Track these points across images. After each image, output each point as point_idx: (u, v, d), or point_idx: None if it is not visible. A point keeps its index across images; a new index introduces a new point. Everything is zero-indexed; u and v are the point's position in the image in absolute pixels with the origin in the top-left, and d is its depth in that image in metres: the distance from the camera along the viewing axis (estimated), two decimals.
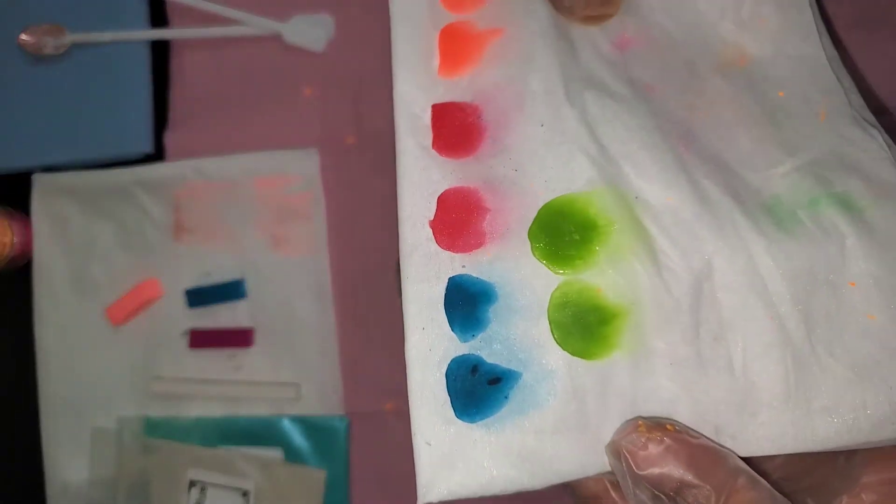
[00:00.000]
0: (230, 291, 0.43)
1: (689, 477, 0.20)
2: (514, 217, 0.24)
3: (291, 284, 0.44)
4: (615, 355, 0.22)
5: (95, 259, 0.44)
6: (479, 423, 0.22)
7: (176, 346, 0.44)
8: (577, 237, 0.23)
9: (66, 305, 0.44)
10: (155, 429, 0.44)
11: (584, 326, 0.22)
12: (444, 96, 0.26)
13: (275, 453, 0.43)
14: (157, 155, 0.45)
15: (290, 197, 0.44)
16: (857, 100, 0.27)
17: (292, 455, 0.43)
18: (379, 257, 0.44)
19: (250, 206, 0.44)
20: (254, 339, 0.44)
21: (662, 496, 0.20)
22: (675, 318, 0.23)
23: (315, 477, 0.43)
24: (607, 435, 0.22)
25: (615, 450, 0.21)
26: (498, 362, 0.23)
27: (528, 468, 0.22)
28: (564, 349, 0.22)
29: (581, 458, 0.22)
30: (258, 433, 0.43)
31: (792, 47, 0.27)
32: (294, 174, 0.44)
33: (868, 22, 0.40)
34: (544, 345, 0.22)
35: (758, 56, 0.27)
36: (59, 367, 0.44)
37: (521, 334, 0.23)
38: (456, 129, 0.25)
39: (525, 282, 0.23)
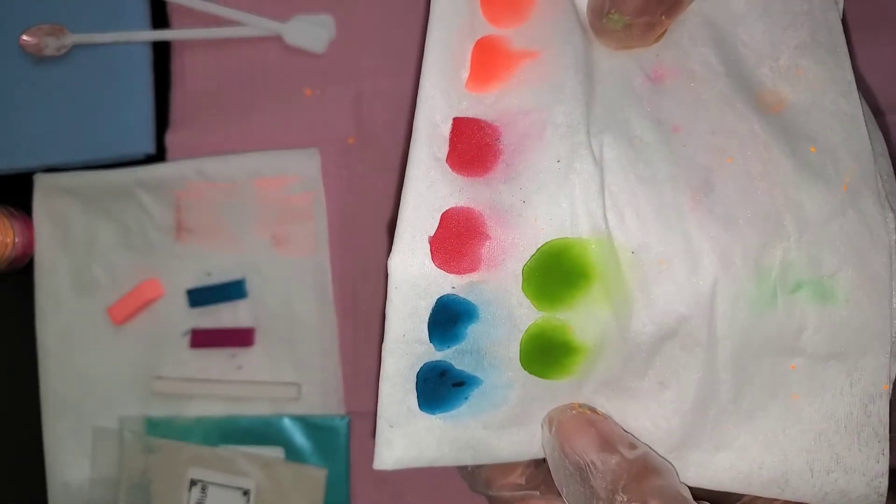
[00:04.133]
0: (231, 291, 0.44)
1: (605, 449, 0.23)
2: (512, 250, 0.24)
3: (292, 284, 0.44)
4: (567, 378, 0.25)
5: (97, 259, 0.45)
6: (438, 415, 0.25)
7: (177, 346, 0.44)
8: (566, 282, 0.24)
9: (68, 305, 0.44)
10: (156, 428, 0.44)
11: (548, 356, 0.24)
12: (466, 111, 0.25)
13: (276, 452, 0.43)
14: (159, 155, 0.45)
15: (290, 197, 0.44)
16: (886, 166, 0.26)
17: (293, 454, 0.43)
18: (380, 257, 0.44)
19: (251, 206, 0.44)
20: (255, 339, 0.44)
21: (582, 466, 0.23)
22: (630, 362, 0.24)
23: (316, 476, 0.43)
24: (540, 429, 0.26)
25: (549, 419, 0.25)
26: (465, 369, 0.25)
27: (471, 452, 0.25)
28: (525, 369, 0.24)
29: (518, 447, 0.26)
30: (259, 432, 0.43)
31: (830, 101, 0.26)
32: (295, 174, 0.44)
33: (867, 22, 0.40)
34: (509, 362, 0.24)
35: (795, 104, 0.27)
36: (61, 366, 0.44)
37: (492, 352, 0.24)
38: (473, 146, 0.25)
39: (508, 311, 0.24)
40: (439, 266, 0.24)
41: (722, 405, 0.25)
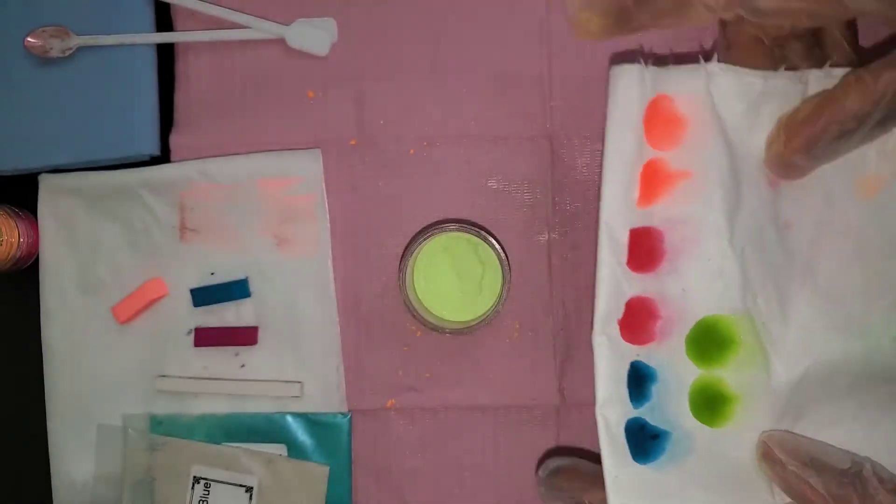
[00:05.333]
0: (235, 290, 0.44)
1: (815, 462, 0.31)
2: (677, 325, 0.33)
3: (295, 284, 0.44)
4: (728, 425, 0.33)
5: (101, 259, 0.45)
6: (648, 465, 0.32)
7: (181, 345, 0.44)
8: (718, 346, 0.33)
9: (73, 304, 0.45)
10: (160, 426, 0.44)
11: (710, 405, 0.33)
12: (638, 222, 0.33)
13: (278, 449, 0.44)
14: (163, 156, 0.45)
15: (293, 198, 0.44)
16: None
17: (296, 451, 0.44)
18: (381, 257, 0.44)
19: (254, 206, 0.44)
20: (258, 338, 0.44)
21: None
22: (771, 407, 0.33)
23: (318, 472, 0.43)
24: (724, 487, 0.33)
25: (763, 451, 0.32)
26: (657, 424, 0.33)
27: (678, 500, 0.32)
28: (696, 418, 0.33)
29: (711, 498, 0.33)
30: (262, 430, 0.44)
31: None
32: (297, 175, 0.44)
33: (867, 21, 0.40)
34: (684, 414, 0.33)
35: (890, 182, 0.33)
36: (66, 365, 0.45)
37: (672, 407, 0.33)
38: (645, 250, 0.33)
39: (677, 371, 0.33)
40: (626, 340, 0.33)
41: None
